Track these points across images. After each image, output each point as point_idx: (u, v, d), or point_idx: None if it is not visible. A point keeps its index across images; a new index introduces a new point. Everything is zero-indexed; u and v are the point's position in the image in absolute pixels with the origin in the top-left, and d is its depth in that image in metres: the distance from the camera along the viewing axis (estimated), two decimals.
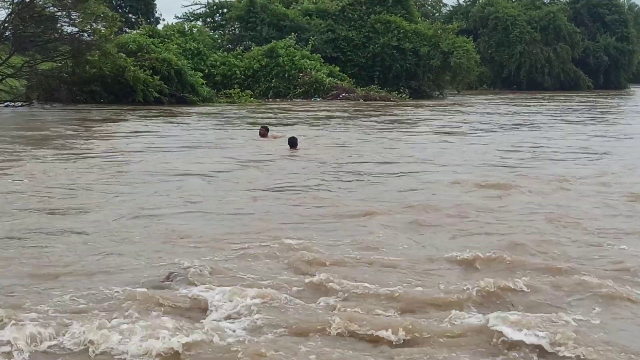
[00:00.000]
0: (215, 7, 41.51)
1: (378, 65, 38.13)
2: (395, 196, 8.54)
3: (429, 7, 62.46)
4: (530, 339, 3.92)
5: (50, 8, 26.10)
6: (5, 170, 10.16)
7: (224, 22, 40.85)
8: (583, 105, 33.69)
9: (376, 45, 38.22)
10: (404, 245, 6.11)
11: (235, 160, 11.86)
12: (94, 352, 3.77)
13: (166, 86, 26.81)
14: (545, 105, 33.38)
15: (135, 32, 34.42)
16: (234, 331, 4.09)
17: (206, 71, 32.24)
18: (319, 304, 4.57)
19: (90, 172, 10.10)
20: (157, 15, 52.91)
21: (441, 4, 64.06)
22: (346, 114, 24.46)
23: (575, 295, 4.80)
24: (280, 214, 7.39)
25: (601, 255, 5.84)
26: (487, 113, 27.18)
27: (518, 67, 54.56)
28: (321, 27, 38.62)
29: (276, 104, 30.35)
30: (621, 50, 61.83)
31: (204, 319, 4.26)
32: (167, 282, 4.90)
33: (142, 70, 26.56)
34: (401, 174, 10.46)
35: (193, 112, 23.90)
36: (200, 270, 5.06)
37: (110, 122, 19.28)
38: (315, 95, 33.16)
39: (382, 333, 4.03)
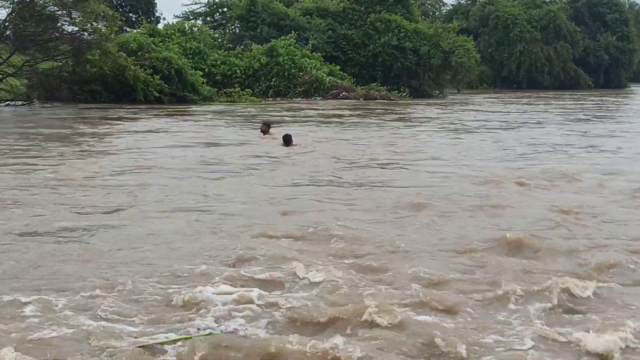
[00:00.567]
0: (215, 6, 41.54)
1: (379, 64, 38.16)
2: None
3: (429, 6, 62.49)
4: None
5: (51, 7, 26.13)
6: (48, 167, 10.39)
7: (224, 21, 40.89)
8: (593, 104, 33.85)
9: (376, 45, 38.25)
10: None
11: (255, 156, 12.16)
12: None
13: (166, 85, 26.82)
14: (553, 103, 33.61)
15: (135, 31, 34.44)
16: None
17: (206, 70, 32.24)
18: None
19: (125, 168, 10.42)
20: (157, 14, 52.99)
21: (441, 3, 64.15)
22: (359, 112, 24.83)
23: None
24: (333, 210, 7.50)
25: None
26: (499, 111, 27.36)
27: (518, 66, 54.58)
28: (321, 27, 38.65)
29: (279, 102, 30.43)
30: (622, 49, 61.82)
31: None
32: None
33: (142, 69, 26.57)
34: (452, 172, 10.63)
35: (208, 111, 24.15)
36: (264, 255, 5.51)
37: (129, 120, 19.56)
38: (316, 95, 33.18)
39: None
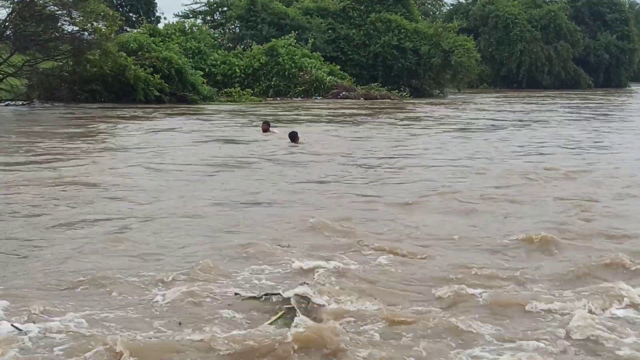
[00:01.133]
0: (215, 5, 41.54)
1: (379, 64, 38.18)
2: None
3: (429, 6, 62.41)
4: None
5: (51, 7, 26.13)
6: (81, 165, 10.72)
7: (224, 21, 40.88)
8: (596, 103, 33.91)
9: (377, 45, 38.26)
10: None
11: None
12: None
13: (167, 85, 26.83)
14: (558, 102, 33.80)
15: (135, 31, 34.44)
16: None
17: (207, 70, 32.24)
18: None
19: (158, 165, 10.83)
20: (157, 14, 52.92)
21: (441, 3, 64.04)
22: (367, 111, 25.04)
23: None
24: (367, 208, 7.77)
25: None
26: (506, 110, 27.42)
27: (518, 65, 54.57)
28: (321, 26, 38.64)
29: (290, 102, 30.51)
30: (622, 48, 61.80)
31: None
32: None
33: (142, 69, 26.58)
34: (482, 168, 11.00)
35: (222, 110, 24.44)
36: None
37: (142, 119, 19.83)
38: (316, 94, 33.18)
39: None
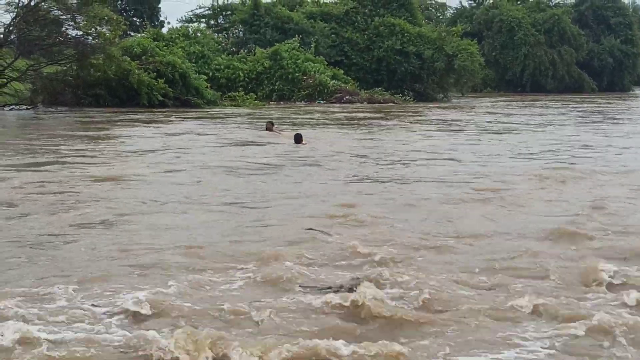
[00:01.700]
0: (219, 9, 41.59)
1: (383, 69, 38.17)
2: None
3: (433, 10, 62.42)
4: None
5: (55, 12, 26.19)
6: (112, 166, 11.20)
7: (227, 25, 40.92)
8: (605, 107, 33.90)
9: (380, 49, 38.26)
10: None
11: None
12: None
13: (170, 89, 26.86)
14: (568, 106, 33.75)
15: (139, 35, 34.51)
16: None
17: (210, 74, 32.26)
18: None
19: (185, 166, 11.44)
20: (161, 18, 53.10)
21: (445, 7, 64.07)
22: (380, 114, 25.41)
23: None
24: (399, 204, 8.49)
25: None
26: (515, 114, 27.47)
27: (522, 69, 54.46)
28: (325, 30, 38.65)
29: (288, 105, 30.52)
30: (626, 52, 61.63)
31: None
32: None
33: (146, 73, 26.62)
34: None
35: (238, 114, 24.75)
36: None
37: (159, 123, 20.05)
38: (319, 98, 33.16)
39: None
